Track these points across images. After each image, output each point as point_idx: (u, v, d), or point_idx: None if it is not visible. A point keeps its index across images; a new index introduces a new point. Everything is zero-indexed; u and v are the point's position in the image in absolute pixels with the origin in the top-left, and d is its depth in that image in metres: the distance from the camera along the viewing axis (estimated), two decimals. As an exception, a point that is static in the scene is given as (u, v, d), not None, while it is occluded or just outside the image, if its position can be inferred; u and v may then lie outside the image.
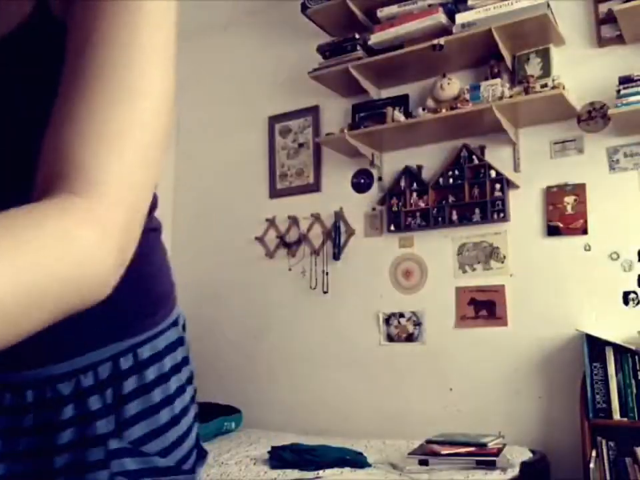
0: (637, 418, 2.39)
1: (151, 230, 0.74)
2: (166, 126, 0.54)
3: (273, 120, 3.72)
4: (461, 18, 2.91)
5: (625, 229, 2.71)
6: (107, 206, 0.46)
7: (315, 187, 3.51)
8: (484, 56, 2.98)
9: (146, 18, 0.54)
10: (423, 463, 2.24)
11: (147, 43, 0.53)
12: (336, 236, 3.35)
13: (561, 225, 2.83)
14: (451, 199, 3.06)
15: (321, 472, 2.19)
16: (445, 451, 2.24)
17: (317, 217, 3.46)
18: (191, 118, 4.07)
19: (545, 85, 2.79)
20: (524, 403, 2.84)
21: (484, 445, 2.25)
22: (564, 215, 2.82)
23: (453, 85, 3.01)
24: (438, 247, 3.12)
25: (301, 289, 3.44)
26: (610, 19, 2.77)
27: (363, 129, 3.13)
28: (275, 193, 3.62)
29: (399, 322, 3.19)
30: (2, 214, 0.40)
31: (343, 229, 3.36)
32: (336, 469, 2.30)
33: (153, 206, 0.71)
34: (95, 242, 0.44)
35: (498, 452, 2.23)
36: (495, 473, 2.12)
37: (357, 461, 2.38)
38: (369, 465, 2.37)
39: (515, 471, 2.21)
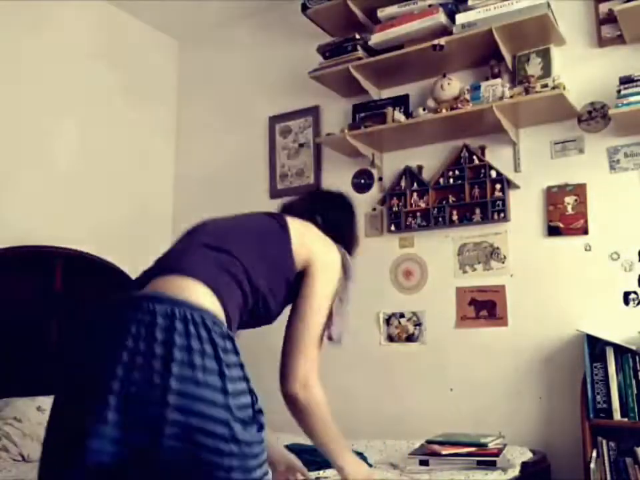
0: (637, 418, 2.39)
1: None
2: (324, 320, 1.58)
3: (274, 120, 3.72)
4: (461, 18, 2.91)
5: (625, 229, 2.71)
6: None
7: (315, 187, 3.51)
8: (484, 56, 2.98)
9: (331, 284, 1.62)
10: (424, 463, 2.23)
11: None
12: (336, 236, 3.34)
13: (562, 225, 2.83)
14: (451, 199, 3.06)
15: (321, 472, 2.18)
16: (446, 451, 2.24)
17: (317, 217, 3.45)
18: (191, 118, 4.07)
19: (546, 85, 2.79)
20: (524, 403, 2.84)
21: (484, 445, 2.25)
22: (564, 215, 2.82)
23: (454, 85, 3.01)
24: (438, 247, 3.11)
25: (301, 289, 3.43)
26: (610, 19, 2.77)
27: (363, 129, 3.13)
28: (275, 193, 3.61)
29: (399, 322, 3.19)
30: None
31: (343, 229, 3.35)
32: (336, 469, 2.29)
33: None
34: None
35: (498, 452, 2.22)
36: (496, 473, 2.12)
37: (357, 461, 2.37)
38: (370, 465, 2.37)
39: (516, 471, 2.21)
